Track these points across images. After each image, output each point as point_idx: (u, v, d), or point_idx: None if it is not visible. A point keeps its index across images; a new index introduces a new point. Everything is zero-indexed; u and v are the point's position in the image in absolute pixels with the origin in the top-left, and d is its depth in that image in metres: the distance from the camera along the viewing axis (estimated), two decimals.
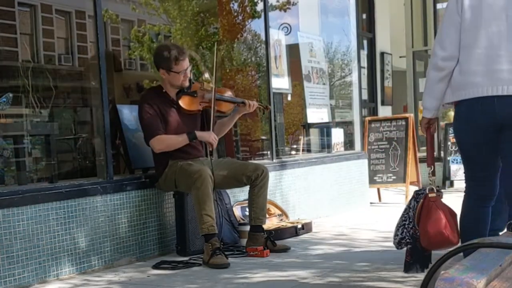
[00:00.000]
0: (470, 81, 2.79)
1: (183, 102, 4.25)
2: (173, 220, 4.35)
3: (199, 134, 4.22)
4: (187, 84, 4.27)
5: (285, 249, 4.28)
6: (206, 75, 6.36)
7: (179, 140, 4.19)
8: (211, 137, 4.21)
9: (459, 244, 2.92)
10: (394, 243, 3.12)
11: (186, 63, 4.22)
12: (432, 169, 3.29)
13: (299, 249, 4.37)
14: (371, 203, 6.99)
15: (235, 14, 7.03)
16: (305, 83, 6.44)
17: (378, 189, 7.32)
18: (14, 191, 3.53)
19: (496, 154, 2.89)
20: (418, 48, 9.99)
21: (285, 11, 6.51)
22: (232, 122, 4.61)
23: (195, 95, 4.28)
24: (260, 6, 6.13)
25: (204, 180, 3.94)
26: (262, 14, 5.82)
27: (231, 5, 7.12)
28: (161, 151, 4.18)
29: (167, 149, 4.18)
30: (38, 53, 6.50)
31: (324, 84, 6.78)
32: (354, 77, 7.28)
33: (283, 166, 5.63)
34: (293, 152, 6.89)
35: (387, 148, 7.18)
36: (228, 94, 4.49)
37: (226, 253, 3.97)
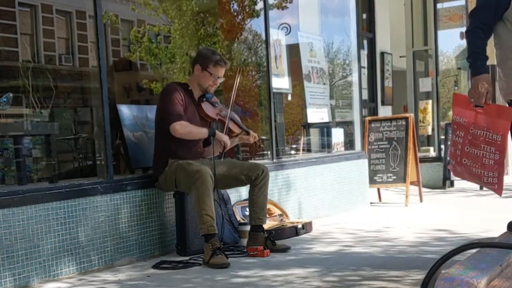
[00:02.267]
0: None
1: (204, 107, 4.35)
2: (173, 220, 4.35)
3: (219, 133, 4.29)
4: (212, 91, 4.39)
5: (285, 249, 4.28)
6: None
7: (200, 132, 4.25)
8: (228, 138, 4.31)
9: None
10: None
11: (222, 72, 4.34)
12: None
13: (299, 249, 4.37)
14: (371, 203, 6.99)
15: (235, 14, 7.03)
16: (305, 83, 6.44)
17: (378, 189, 7.32)
18: (14, 191, 3.53)
19: None
20: (418, 48, 10.00)
21: (282, 9, 6.49)
22: (232, 145, 4.71)
23: (216, 105, 4.42)
24: (260, 6, 6.13)
25: (204, 179, 3.95)
26: (262, 14, 5.82)
27: (231, 5, 7.12)
28: (180, 136, 4.18)
29: (187, 136, 4.20)
30: (39, 53, 6.51)
31: (324, 84, 6.78)
32: (354, 77, 7.28)
33: (283, 166, 5.63)
34: (293, 152, 6.89)
35: (387, 148, 7.19)
36: (239, 119, 4.63)
37: (226, 253, 3.97)
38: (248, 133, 4.53)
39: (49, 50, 6.81)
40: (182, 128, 4.16)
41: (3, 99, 4.34)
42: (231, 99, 4.44)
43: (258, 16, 6.25)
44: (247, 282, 3.41)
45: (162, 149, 4.25)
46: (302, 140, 7.10)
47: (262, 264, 3.89)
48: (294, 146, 7.09)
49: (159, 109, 4.30)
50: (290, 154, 6.73)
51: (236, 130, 4.51)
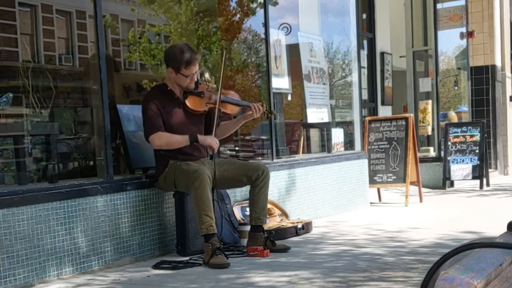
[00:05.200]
0: None
1: (189, 102, 4.27)
2: (173, 220, 4.35)
3: (201, 137, 4.21)
4: (193, 86, 4.29)
5: (285, 249, 4.28)
6: (207, 75, 6.36)
7: (180, 140, 4.18)
8: (213, 141, 4.21)
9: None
10: None
11: (196, 68, 4.25)
12: None
13: (299, 249, 4.37)
14: (371, 203, 6.99)
15: (235, 13, 7.03)
16: (305, 83, 6.44)
17: (378, 189, 7.32)
18: (14, 191, 3.53)
19: None
20: (418, 48, 10.00)
21: (276, 5, 6.45)
22: (237, 126, 4.64)
23: (202, 95, 4.30)
24: (259, 6, 6.13)
25: (203, 180, 3.94)
26: (262, 14, 5.82)
27: (231, 4, 7.12)
28: (160, 148, 4.16)
29: (166, 146, 4.17)
30: (39, 53, 6.50)
31: (324, 84, 6.78)
32: (354, 77, 7.28)
33: (283, 166, 5.63)
34: (293, 152, 6.89)
35: (387, 148, 7.19)
36: (235, 97, 4.49)
37: (226, 253, 3.97)
38: (249, 107, 4.37)
39: (49, 50, 6.81)
40: (159, 140, 4.13)
41: (3, 99, 4.35)
42: (219, 81, 4.31)
43: (254, 14, 6.23)
44: (249, 282, 3.41)
45: (162, 151, 4.24)
46: (302, 140, 7.10)
47: (262, 264, 3.89)
48: (294, 146, 7.09)
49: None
50: (290, 154, 6.72)
51: (233, 110, 4.39)
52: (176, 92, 4.30)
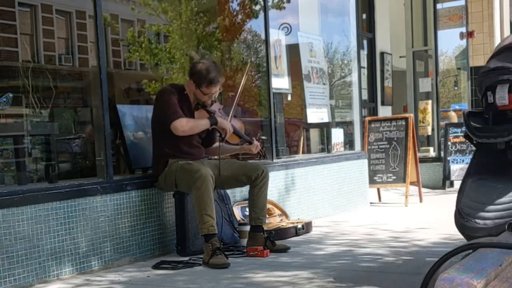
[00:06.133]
0: None
1: (198, 116, 4.33)
2: (173, 220, 4.35)
3: (220, 120, 4.29)
4: (209, 103, 4.36)
5: (285, 249, 4.28)
6: None
7: (201, 123, 4.24)
8: (229, 126, 4.31)
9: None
10: None
11: (216, 89, 4.33)
12: None
13: (299, 249, 4.37)
14: (371, 203, 6.99)
15: (235, 14, 7.03)
16: (305, 83, 6.44)
17: (378, 189, 7.32)
18: (14, 191, 3.53)
19: None
20: (418, 48, 10.00)
21: (280, 9, 6.46)
22: (231, 153, 4.72)
23: (213, 114, 4.36)
24: (260, 6, 6.13)
25: (205, 180, 3.95)
26: (262, 14, 5.82)
27: (231, 5, 7.12)
28: (183, 134, 4.18)
29: (190, 131, 4.20)
30: (39, 53, 6.51)
31: (324, 84, 6.78)
32: (354, 77, 7.28)
33: (283, 166, 5.63)
34: (293, 152, 6.89)
35: (387, 148, 7.19)
36: (241, 127, 4.59)
37: (226, 253, 3.97)
38: (250, 143, 4.51)
39: (49, 50, 6.82)
40: (184, 126, 4.15)
41: (3, 99, 4.35)
42: (231, 111, 4.42)
43: (257, 16, 6.24)
44: (249, 282, 3.41)
45: (162, 150, 4.25)
46: (302, 140, 7.10)
47: (262, 264, 3.89)
48: (294, 146, 7.09)
49: (156, 110, 4.30)
50: (290, 154, 6.72)
51: (235, 140, 4.49)
52: (191, 97, 4.35)
